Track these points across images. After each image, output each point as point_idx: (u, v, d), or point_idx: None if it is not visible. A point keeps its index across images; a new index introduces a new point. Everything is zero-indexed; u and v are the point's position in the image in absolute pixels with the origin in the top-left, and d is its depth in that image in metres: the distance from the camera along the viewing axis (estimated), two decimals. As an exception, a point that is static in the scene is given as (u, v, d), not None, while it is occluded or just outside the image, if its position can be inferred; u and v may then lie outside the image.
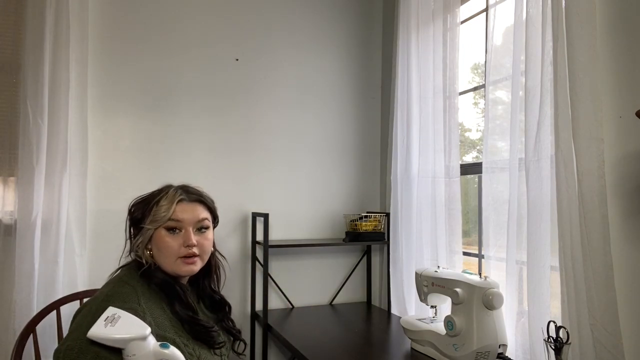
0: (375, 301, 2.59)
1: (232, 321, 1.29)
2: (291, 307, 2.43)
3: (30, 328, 1.59)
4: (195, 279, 1.23)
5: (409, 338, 1.75)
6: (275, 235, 2.43)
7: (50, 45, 1.93)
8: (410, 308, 2.20)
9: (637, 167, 1.31)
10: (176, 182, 2.29)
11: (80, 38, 2.02)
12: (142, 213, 1.13)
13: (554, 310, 1.48)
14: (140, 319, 0.94)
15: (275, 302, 2.42)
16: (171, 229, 1.11)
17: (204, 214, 1.16)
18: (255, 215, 2.35)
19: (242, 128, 2.40)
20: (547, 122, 1.47)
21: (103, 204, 2.12)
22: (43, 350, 1.77)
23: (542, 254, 1.48)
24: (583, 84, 1.33)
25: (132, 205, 1.16)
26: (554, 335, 1.33)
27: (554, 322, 1.35)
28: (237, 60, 2.40)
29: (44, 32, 1.91)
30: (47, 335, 1.83)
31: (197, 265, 1.13)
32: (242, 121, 2.40)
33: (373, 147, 2.70)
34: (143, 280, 1.07)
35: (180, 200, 1.14)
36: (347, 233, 2.44)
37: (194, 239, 1.11)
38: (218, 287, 1.29)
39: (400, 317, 2.07)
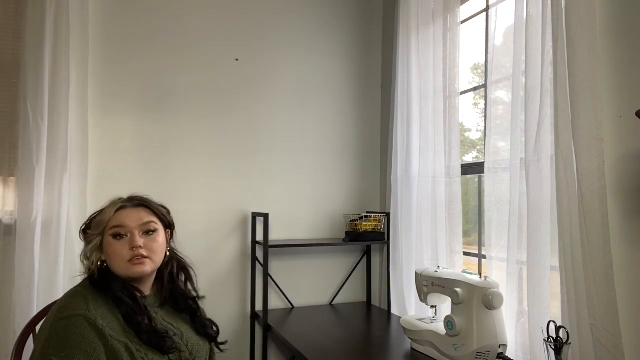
0: (375, 301, 2.59)
1: (208, 320, 1.30)
2: (291, 307, 2.43)
3: (30, 328, 1.59)
4: (162, 282, 1.26)
5: (409, 338, 1.75)
6: (275, 236, 2.43)
7: (50, 45, 1.93)
8: (410, 308, 2.20)
9: (637, 167, 1.31)
10: (175, 181, 2.30)
11: (81, 38, 2.02)
12: (89, 223, 1.19)
13: (554, 310, 1.48)
14: (92, 324, 1.00)
15: (275, 302, 2.41)
16: (117, 235, 1.14)
17: (149, 217, 1.19)
18: (255, 215, 2.35)
19: (241, 128, 2.40)
20: (547, 122, 1.47)
21: (103, 204, 2.12)
22: (43, 350, 1.76)
23: (542, 254, 1.48)
24: (583, 84, 1.33)
25: (88, 218, 1.22)
26: (554, 335, 1.33)
27: (554, 322, 1.35)
28: (237, 60, 2.40)
29: (44, 32, 1.91)
30: (47, 335, 1.83)
31: (147, 266, 1.15)
32: (242, 121, 2.40)
33: (373, 147, 2.70)
34: (95, 289, 1.11)
35: (121, 207, 1.18)
36: (347, 233, 2.44)
37: (139, 241, 1.14)
38: (192, 286, 1.31)
39: (400, 317, 2.07)
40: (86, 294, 1.09)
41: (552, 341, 1.32)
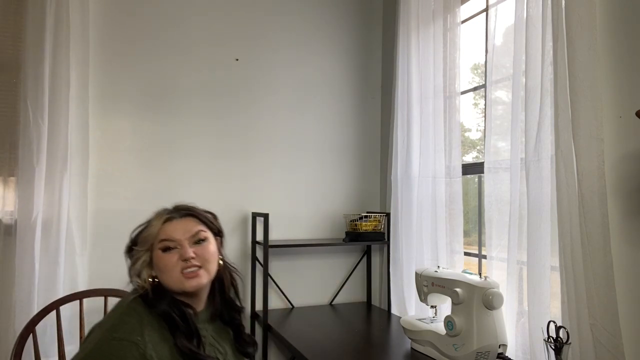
0: (375, 301, 2.59)
1: (249, 337, 1.25)
2: (291, 307, 2.43)
3: (30, 328, 1.59)
4: (212, 294, 1.20)
5: (409, 338, 1.75)
6: (275, 235, 2.43)
7: (51, 45, 1.93)
8: (410, 308, 2.20)
9: (637, 167, 1.31)
10: (175, 181, 2.30)
11: (81, 38, 2.02)
12: (135, 239, 1.13)
13: (554, 310, 1.48)
14: (141, 354, 0.96)
15: (275, 302, 2.41)
16: (166, 249, 1.09)
17: (198, 226, 1.13)
18: (255, 215, 2.35)
19: (242, 127, 2.40)
20: (547, 122, 1.47)
21: (103, 204, 2.13)
22: (43, 351, 1.77)
23: (542, 254, 1.48)
24: (583, 84, 1.33)
25: (131, 234, 1.16)
26: (554, 335, 1.33)
27: (554, 322, 1.35)
28: (237, 60, 2.40)
29: (44, 32, 1.91)
30: (47, 335, 1.83)
31: (203, 278, 1.09)
32: (242, 121, 2.40)
33: (373, 147, 2.70)
34: (148, 308, 1.05)
35: (168, 219, 1.12)
36: (347, 233, 2.44)
37: (190, 251, 1.08)
38: (238, 298, 1.25)
39: (400, 317, 2.07)
40: (142, 314, 1.03)
41: (552, 341, 1.32)
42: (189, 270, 1.07)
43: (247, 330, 2.32)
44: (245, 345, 1.23)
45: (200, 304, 1.15)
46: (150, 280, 1.08)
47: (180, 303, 1.09)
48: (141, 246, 1.10)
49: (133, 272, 1.11)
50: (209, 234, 1.15)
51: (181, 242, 1.09)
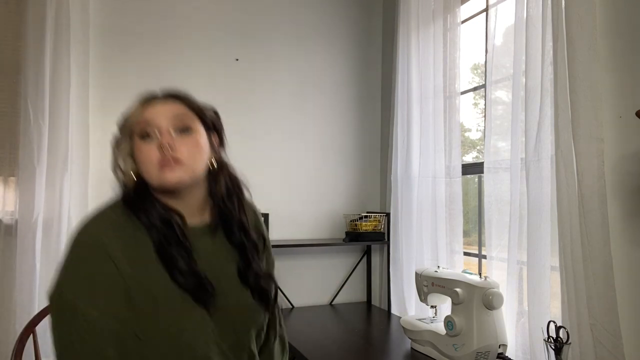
0: (375, 301, 2.59)
1: (259, 268, 1.00)
2: (291, 307, 2.43)
3: (31, 328, 1.59)
4: (216, 204, 0.98)
5: (409, 338, 1.75)
6: (275, 235, 2.43)
7: (51, 45, 1.93)
8: (410, 308, 2.20)
9: (637, 167, 1.31)
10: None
11: (81, 38, 2.03)
12: (119, 127, 0.96)
13: (554, 310, 1.48)
14: (106, 252, 0.83)
15: (276, 302, 2.41)
16: (145, 135, 0.90)
17: (181, 110, 0.92)
18: (255, 215, 2.35)
19: (241, 128, 2.40)
20: (547, 122, 1.47)
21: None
22: (43, 351, 1.76)
23: (542, 254, 1.48)
24: (583, 84, 1.33)
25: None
26: (554, 335, 1.33)
27: (554, 322, 1.35)
28: (237, 60, 2.40)
29: (44, 32, 1.91)
30: (48, 335, 1.82)
31: (181, 172, 0.88)
32: (242, 121, 2.40)
33: (373, 147, 2.70)
34: (128, 210, 0.90)
35: (150, 101, 0.93)
36: (347, 233, 2.44)
37: (169, 138, 0.88)
38: (244, 212, 1.01)
39: (400, 317, 2.07)
40: (113, 209, 0.90)
41: (552, 341, 1.32)
42: (166, 161, 0.87)
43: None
44: (251, 276, 0.97)
45: (190, 212, 0.94)
46: (132, 173, 0.92)
47: (164, 206, 0.91)
48: (122, 133, 0.94)
49: (115, 164, 0.95)
50: (197, 125, 0.93)
51: (160, 127, 0.89)
